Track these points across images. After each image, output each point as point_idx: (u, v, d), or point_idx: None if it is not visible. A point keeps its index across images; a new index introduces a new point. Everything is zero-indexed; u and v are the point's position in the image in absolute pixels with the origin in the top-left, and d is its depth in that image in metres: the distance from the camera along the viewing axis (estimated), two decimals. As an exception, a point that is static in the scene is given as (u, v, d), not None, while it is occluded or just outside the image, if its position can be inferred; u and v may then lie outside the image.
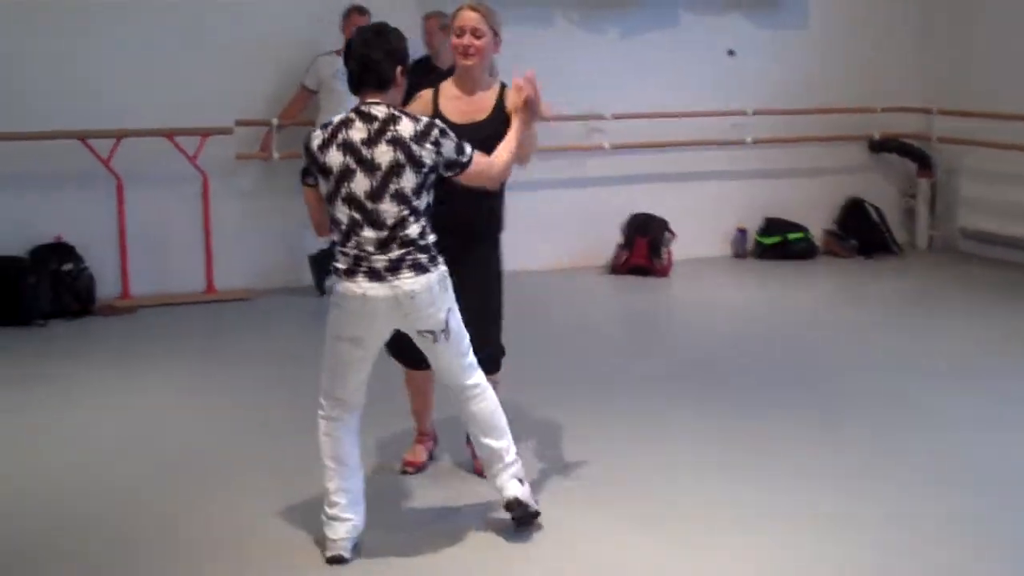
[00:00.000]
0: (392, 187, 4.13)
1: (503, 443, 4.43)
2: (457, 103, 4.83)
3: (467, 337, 4.37)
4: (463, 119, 4.73)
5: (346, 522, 4.25)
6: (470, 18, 4.79)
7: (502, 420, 4.46)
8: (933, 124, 10.19)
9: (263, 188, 8.64)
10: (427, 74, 8.49)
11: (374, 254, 4.13)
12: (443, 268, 4.24)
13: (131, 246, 8.23)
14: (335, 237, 4.27)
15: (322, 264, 8.46)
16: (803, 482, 5.01)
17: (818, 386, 6.45)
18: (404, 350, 4.62)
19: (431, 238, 4.23)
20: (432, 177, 4.24)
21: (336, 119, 4.28)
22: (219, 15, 8.33)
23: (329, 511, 4.27)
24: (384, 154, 4.13)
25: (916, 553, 4.32)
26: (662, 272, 9.26)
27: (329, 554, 4.23)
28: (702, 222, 9.85)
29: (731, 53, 9.91)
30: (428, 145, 4.18)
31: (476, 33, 4.78)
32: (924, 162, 10.28)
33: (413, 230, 4.16)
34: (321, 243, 8.43)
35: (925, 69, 10.36)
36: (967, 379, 6.56)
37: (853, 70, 10.17)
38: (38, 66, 8.05)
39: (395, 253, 4.13)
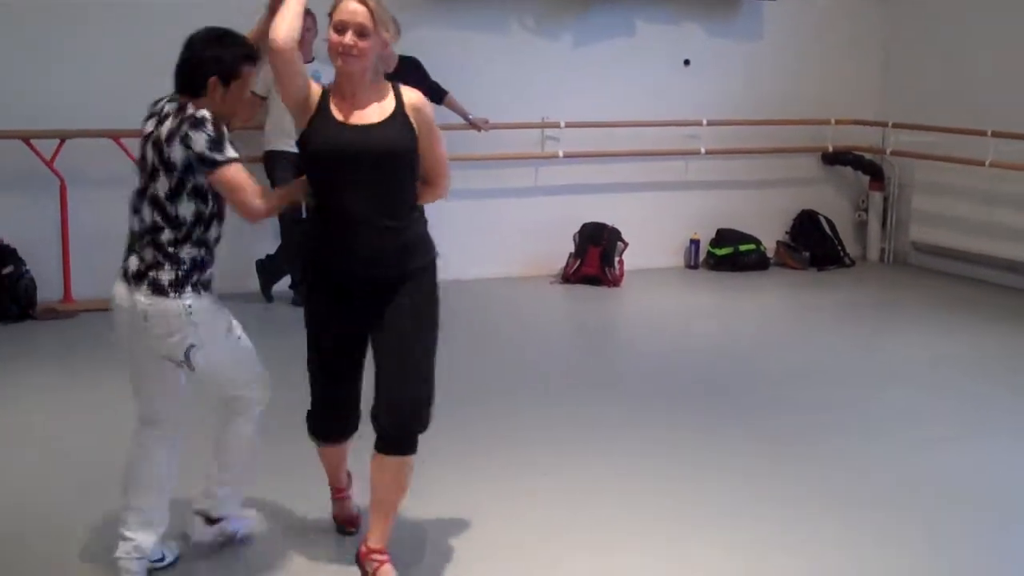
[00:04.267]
0: (149, 191, 3.87)
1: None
2: (342, 104, 3.88)
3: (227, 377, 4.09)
4: (355, 120, 3.86)
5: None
6: (355, 12, 3.78)
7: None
8: (887, 137, 10.21)
9: (210, 192, 8.50)
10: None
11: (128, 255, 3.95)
12: (190, 302, 3.83)
13: (74, 249, 8.08)
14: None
15: (269, 270, 8.37)
16: (744, 489, 4.98)
17: (765, 396, 6.43)
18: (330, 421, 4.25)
19: (189, 260, 3.87)
20: (192, 181, 3.80)
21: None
22: (167, 16, 8.19)
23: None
24: (148, 155, 3.87)
25: (864, 561, 4.29)
26: (614, 282, 9.21)
27: None
28: (655, 232, 9.82)
29: (687, 63, 9.88)
30: (177, 142, 3.79)
31: (361, 31, 3.78)
32: (877, 175, 10.31)
33: (164, 239, 3.86)
34: (268, 249, 8.35)
35: (879, 82, 10.39)
36: (917, 390, 6.58)
37: (808, 82, 10.18)
38: (-20, 64, 7.91)
39: (144, 263, 3.88)
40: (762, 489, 5.05)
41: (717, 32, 9.93)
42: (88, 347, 7.25)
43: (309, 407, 4.24)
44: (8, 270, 7.75)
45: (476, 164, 9.00)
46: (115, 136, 8.00)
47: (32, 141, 7.85)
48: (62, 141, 7.89)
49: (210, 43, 3.94)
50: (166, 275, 3.85)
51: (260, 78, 8.12)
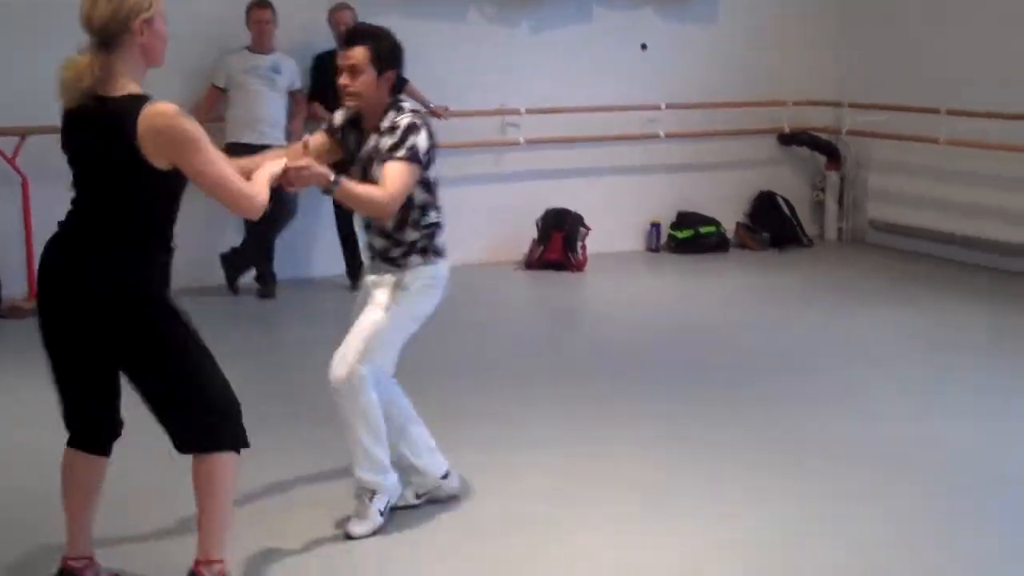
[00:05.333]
0: None
1: None
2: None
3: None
4: None
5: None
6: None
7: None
8: (843, 117, 10.33)
9: (173, 186, 8.50)
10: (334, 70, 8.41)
11: None
12: None
13: (38, 246, 8.01)
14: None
15: (234, 263, 8.38)
16: (709, 461, 5.11)
17: (729, 375, 6.55)
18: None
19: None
20: None
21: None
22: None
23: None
24: None
25: (824, 539, 4.41)
26: (577, 267, 9.29)
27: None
28: (617, 216, 9.90)
29: (643, 47, 9.96)
30: None
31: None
32: (833, 155, 10.43)
33: None
34: (233, 242, 8.37)
35: (835, 63, 10.50)
36: (875, 366, 6.71)
37: (763, 64, 10.28)
38: (-62, 63, 7.89)
39: None
40: (726, 460, 5.17)
41: (673, 16, 10.02)
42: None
43: (234, 414, 3.95)
44: (-28, 268, 7.75)
45: (437, 152, 9.02)
46: (76, 132, 7.98)
47: (-7, 138, 7.84)
48: (23, 137, 7.88)
49: None
50: None
51: (218, 71, 8.24)
